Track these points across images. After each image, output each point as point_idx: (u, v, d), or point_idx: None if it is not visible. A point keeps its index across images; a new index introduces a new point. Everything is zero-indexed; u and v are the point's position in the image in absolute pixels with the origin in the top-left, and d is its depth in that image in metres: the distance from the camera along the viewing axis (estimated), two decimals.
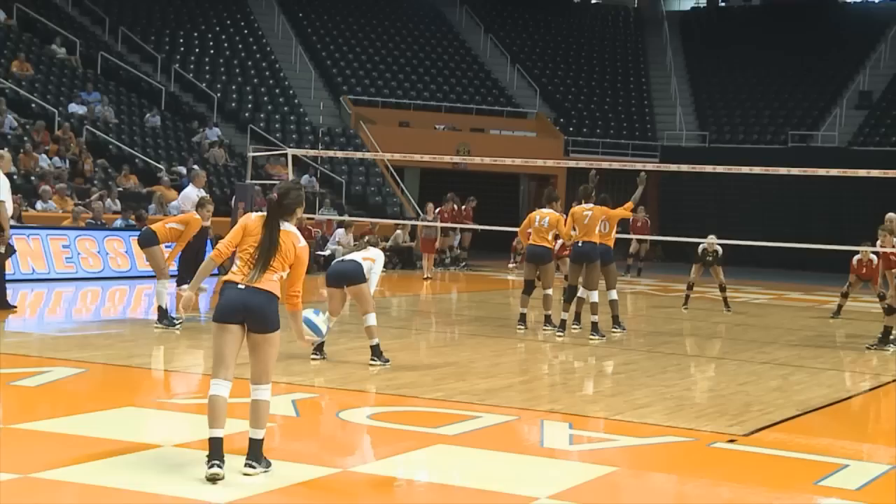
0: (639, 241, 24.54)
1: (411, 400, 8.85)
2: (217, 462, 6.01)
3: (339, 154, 25.42)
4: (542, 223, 13.36)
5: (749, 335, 14.72)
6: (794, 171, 17.18)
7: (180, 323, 12.25)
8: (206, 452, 6.06)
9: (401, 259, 24.92)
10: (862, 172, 15.39)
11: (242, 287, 6.20)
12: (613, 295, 13.89)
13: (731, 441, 7.87)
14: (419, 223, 22.93)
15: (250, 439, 6.22)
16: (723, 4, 41.22)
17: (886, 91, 33.30)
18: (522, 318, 13.73)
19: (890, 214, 13.89)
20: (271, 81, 31.18)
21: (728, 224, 26.58)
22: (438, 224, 22.77)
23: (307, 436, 7.79)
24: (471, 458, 7.08)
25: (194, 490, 5.87)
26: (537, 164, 21.60)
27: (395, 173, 29.11)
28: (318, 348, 10.46)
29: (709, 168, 17.75)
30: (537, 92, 34.62)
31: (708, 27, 38.52)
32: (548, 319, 13.62)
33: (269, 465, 6.26)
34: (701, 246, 17.38)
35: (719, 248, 17.28)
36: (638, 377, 10.62)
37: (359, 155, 26.34)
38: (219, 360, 6.24)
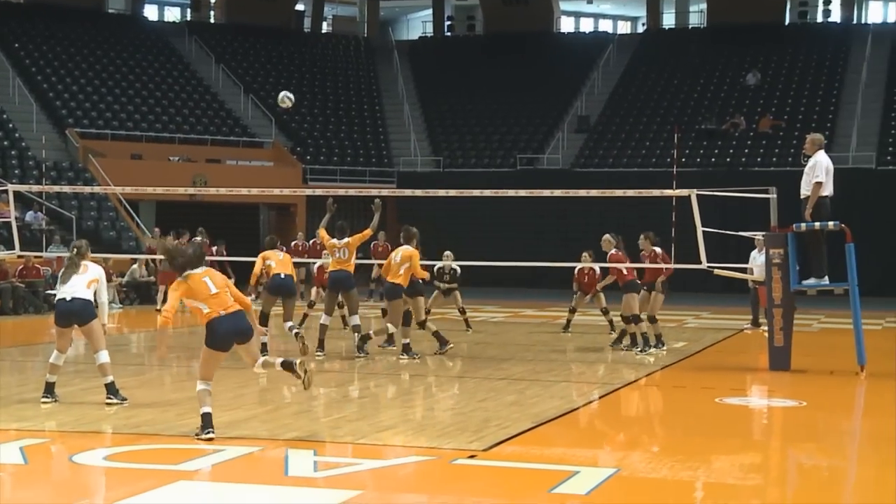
0: (379, 265, 24.83)
1: (151, 437, 8.61)
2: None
3: (67, 189, 24.44)
4: (396, 259, 13.97)
5: (488, 353, 15.18)
6: (522, 192, 17.97)
7: None
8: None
9: (139, 294, 24.20)
10: (582, 192, 16.22)
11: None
12: (356, 320, 14.07)
13: (472, 457, 8.11)
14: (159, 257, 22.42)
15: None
16: (448, 34, 42.51)
17: (601, 115, 35.30)
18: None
19: (606, 236, 14.77)
20: None
21: (464, 246, 27.17)
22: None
23: (37, 483, 7.43)
24: (214, 493, 6.98)
25: None
26: (275, 192, 21.52)
27: (129, 207, 28.25)
28: (49, 390, 10.01)
29: (442, 192, 18.26)
30: (273, 121, 34.51)
31: (436, 56, 39.61)
32: (406, 348, 14.00)
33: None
34: (437, 265, 17.84)
35: (456, 267, 17.78)
36: (382, 400, 10.76)
37: (88, 189, 25.39)
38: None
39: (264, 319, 13.63)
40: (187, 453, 7.99)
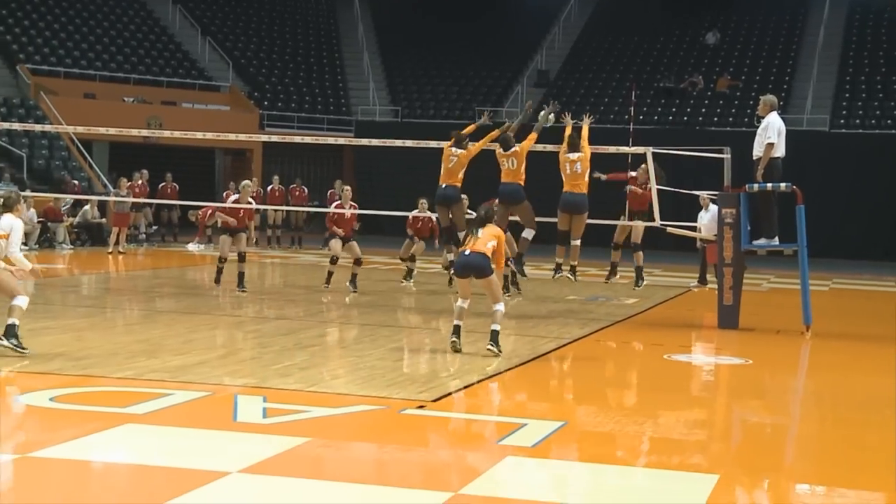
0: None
1: (99, 380, 8.58)
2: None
3: (17, 126, 24.01)
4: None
5: (440, 304, 15.19)
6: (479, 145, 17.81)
7: None
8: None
9: (90, 235, 23.99)
10: (539, 147, 16.19)
11: None
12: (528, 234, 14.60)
13: (421, 407, 8.15)
14: (111, 198, 22.33)
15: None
16: None
17: (561, 70, 35.24)
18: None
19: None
20: None
21: (421, 197, 27.24)
22: (131, 199, 22.22)
23: None
24: (161, 436, 6.97)
25: None
26: (231, 137, 21.30)
27: (81, 147, 27.88)
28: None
29: (399, 143, 18.19)
30: (230, 65, 34.09)
31: (397, 4, 39.21)
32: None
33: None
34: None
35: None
36: (332, 349, 10.77)
37: (39, 127, 24.94)
38: None
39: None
40: (136, 396, 7.97)
